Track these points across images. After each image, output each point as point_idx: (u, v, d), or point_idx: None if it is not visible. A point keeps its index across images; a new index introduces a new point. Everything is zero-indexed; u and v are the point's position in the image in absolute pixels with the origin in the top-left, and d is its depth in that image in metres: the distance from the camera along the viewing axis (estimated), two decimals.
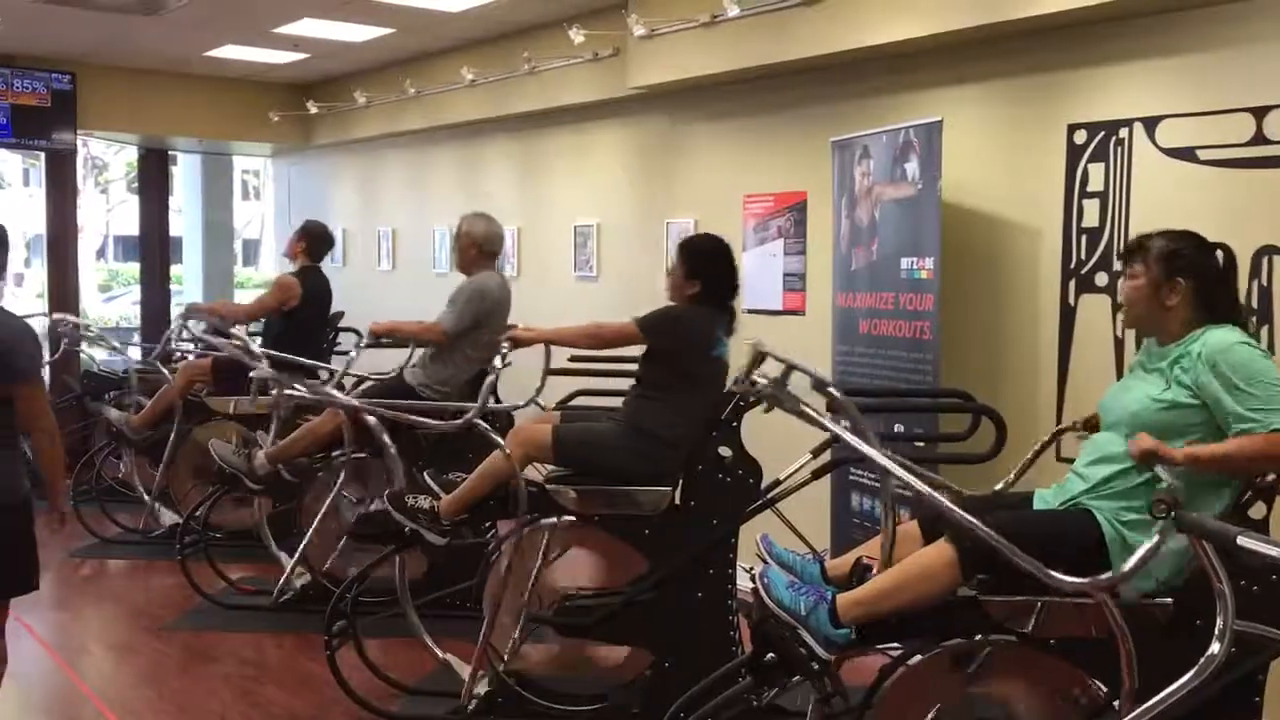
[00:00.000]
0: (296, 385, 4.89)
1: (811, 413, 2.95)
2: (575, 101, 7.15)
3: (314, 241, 6.59)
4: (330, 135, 9.72)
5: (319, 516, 5.36)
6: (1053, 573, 2.53)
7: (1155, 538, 2.49)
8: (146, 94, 9.28)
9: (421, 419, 4.55)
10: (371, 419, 4.74)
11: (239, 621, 5.46)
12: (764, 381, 3.12)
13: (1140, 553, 2.49)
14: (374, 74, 8.87)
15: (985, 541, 2.60)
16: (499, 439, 4.03)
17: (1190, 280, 2.89)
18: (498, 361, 4.12)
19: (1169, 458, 2.68)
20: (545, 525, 4.09)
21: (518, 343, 4.21)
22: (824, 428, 2.94)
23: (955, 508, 2.64)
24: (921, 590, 2.80)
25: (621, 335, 4.09)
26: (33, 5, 7.01)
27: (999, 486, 3.42)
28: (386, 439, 4.72)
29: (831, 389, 3.05)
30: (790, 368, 3.15)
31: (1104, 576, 2.54)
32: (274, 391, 5.13)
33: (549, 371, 4.88)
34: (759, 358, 3.25)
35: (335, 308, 7.07)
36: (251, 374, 5.06)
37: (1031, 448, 3.47)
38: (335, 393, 4.85)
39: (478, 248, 5.32)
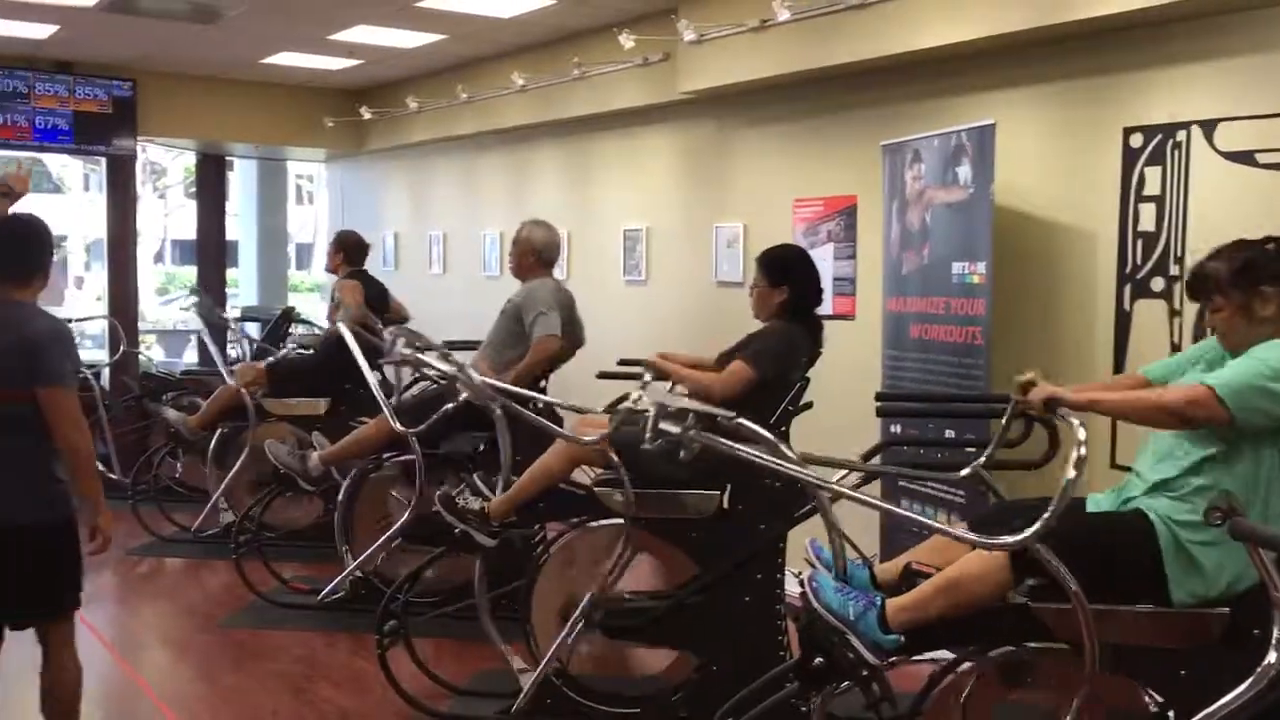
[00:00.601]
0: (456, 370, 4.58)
1: (721, 443, 2.81)
2: (625, 106, 7.17)
3: (351, 250, 6.81)
4: (383, 140, 9.83)
5: (406, 512, 5.30)
6: (969, 533, 2.55)
7: (1068, 478, 2.41)
8: (204, 100, 9.44)
9: (558, 429, 4.10)
10: (499, 410, 4.31)
11: (292, 620, 5.53)
12: (675, 430, 2.83)
13: (1059, 497, 2.41)
14: (426, 80, 8.96)
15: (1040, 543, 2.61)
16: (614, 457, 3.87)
17: (1273, 285, 2.80)
18: (642, 384, 3.97)
19: (1069, 403, 2.71)
20: (594, 528, 4.11)
21: (659, 372, 4.06)
22: (738, 453, 2.82)
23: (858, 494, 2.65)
24: (973, 593, 2.77)
25: (740, 380, 3.95)
26: (95, 14, 7.16)
27: (967, 473, 3.39)
28: (507, 434, 4.51)
29: (720, 416, 2.91)
30: (689, 412, 2.93)
31: (1029, 530, 2.45)
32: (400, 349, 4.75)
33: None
34: (661, 410, 2.89)
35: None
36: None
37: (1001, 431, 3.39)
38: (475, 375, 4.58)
39: (536, 254, 5.38)
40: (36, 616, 3.47)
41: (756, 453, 2.83)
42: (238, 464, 6.55)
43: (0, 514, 3.34)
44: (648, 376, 3.91)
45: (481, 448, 5.17)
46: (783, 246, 4.37)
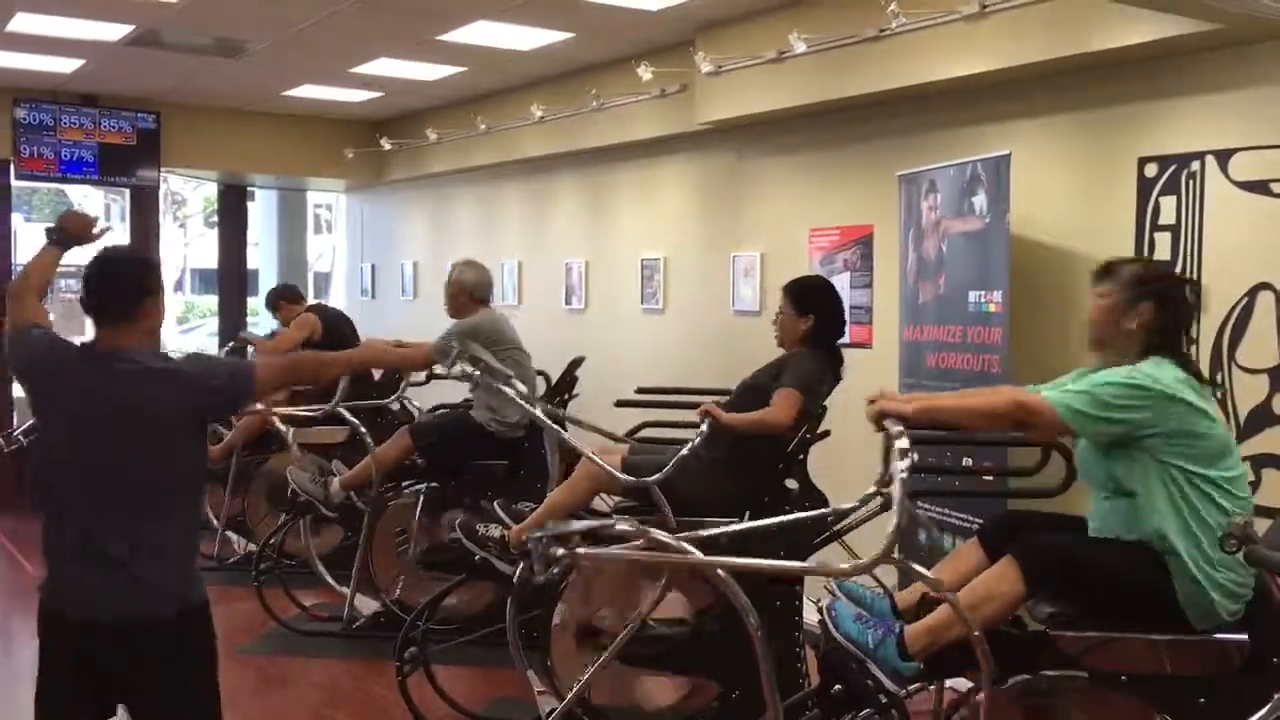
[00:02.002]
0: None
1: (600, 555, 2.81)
2: (642, 137, 7.24)
3: (288, 298, 7.16)
4: (403, 171, 9.93)
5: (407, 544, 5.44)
6: (833, 564, 2.62)
7: (896, 499, 2.48)
8: (227, 132, 9.56)
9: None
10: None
11: (312, 647, 5.56)
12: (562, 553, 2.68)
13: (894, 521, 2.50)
14: (446, 111, 9.06)
15: (1049, 553, 2.70)
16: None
17: (1150, 305, 2.93)
18: (699, 433, 3.99)
19: (898, 413, 2.72)
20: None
21: (717, 421, 3.97)
22: (622, 557, 2.82)
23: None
24: (990, 612, 2.78)
25: (796, 406, 3.94)
26: (120, 49, 7.28)
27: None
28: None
29: (601, 526, 2.89)
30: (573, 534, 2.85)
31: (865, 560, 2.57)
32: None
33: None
34: (545, 541, 2.79)
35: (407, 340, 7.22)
36: None
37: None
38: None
39: (468, 294, 5.50)
40: None
41: (638, 551, 2.78)
42: (226, 490, 6.70)
43: (143, 606, 2.70)
44: (704, 427, 3.90)
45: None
46: (812, 277, 4.46)
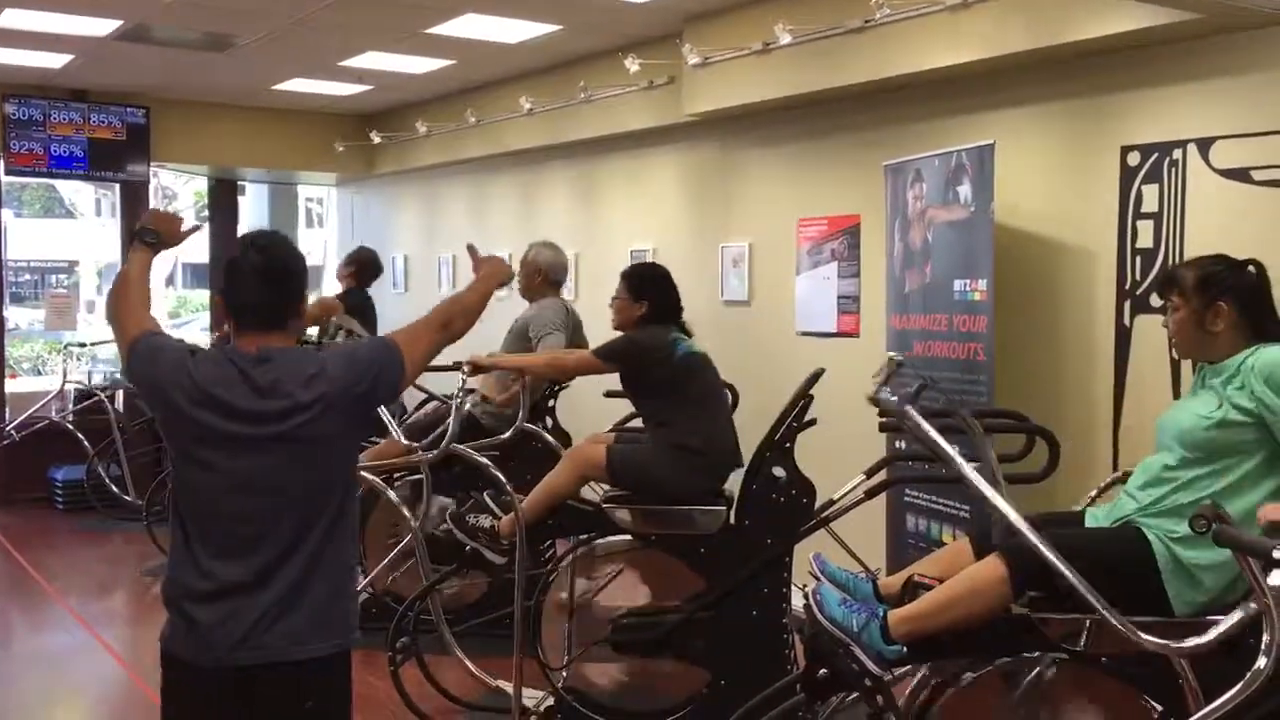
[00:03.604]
0: None
1: (935, 438, 2.81)
2: (631, 129, 7.26)
3: (363, 268, 6.84)
4: (393, 164, 9.94)
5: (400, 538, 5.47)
6: (1133, 627, 2.47)
7: (1241, 614, 2.38)
8: (217, 126, 9.55)
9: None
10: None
11: None
12: (893, 399, 2.93)
13: (1228, 622, 2.38)
14: (435, 104, 9.07)
15: (1036, 558, 2.65)
16: (493, 468, 4.24)
17: (1230, 302, 2.88)
18: (460, 385, 4.26)
19: None
20: (601, 545, 4.17)
21: (477, 368, 4.34)
22: (937, 454, 2.85)
23: (1038, 539, 2.60)
24: (973, 607, 2.82)
25: (582, 364, 4.31)
26: (109, 43, 7.28)
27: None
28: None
29: (962, 413, 2.98)
30: (924, 386, 3.06)
31: (1187, 643, 2.43)
32: None
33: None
34: (895, 368, 3.03)
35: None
36: None
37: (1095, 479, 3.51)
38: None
39: (542, 275, 5.47)
40: None
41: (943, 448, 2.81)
42: None
43: (314, 640, 2.44)
44: (465, 371, 4.26)
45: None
46: (647, 264, 4.61)
